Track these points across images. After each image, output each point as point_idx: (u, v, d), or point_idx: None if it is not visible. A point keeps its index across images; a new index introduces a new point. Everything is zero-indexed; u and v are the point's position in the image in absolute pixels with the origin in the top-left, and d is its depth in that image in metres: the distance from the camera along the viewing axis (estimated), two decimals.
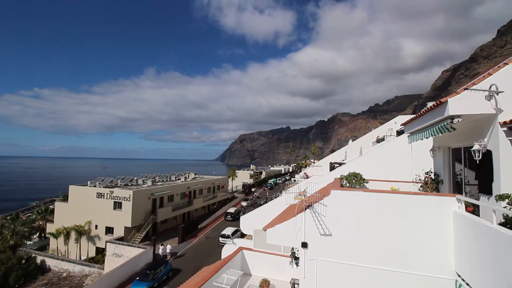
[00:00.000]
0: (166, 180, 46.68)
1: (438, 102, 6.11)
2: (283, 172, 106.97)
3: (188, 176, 51.05)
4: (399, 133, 17.47)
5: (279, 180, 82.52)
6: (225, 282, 9.57)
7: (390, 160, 13.12)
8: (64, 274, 26.57)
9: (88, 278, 25.20)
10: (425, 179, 8.97)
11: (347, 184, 8.80)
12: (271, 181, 77.90)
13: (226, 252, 15.02)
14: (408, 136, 9.16)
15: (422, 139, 7.52)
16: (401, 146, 12.51)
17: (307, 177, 30.49)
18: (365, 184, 9.07)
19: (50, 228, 36.62)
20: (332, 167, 21.26)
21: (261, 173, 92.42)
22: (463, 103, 5.51)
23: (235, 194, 62.42)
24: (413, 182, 9.62)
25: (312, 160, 77.48)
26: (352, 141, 34.11)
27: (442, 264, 5.79)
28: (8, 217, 36.84)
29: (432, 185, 8.51)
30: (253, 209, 18.15)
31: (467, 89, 5.51)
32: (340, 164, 20.70)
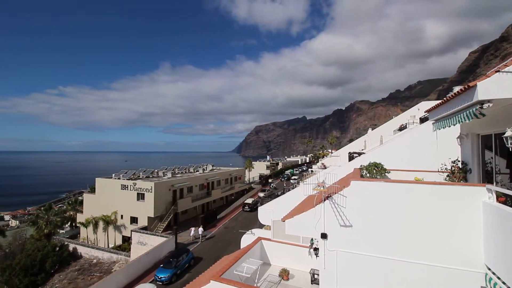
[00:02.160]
0: (185, 172, 47.87)
1: (466, 86, 5.69)
2: (299, 163, 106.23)
3: (206, 168, 52.00)
4: (423, 120, 16.69)
5: (296, 170, 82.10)
6: (245, 271, 9.76)
7: (413, 149, 12.60)
8: (94, 261, 28.29)
9: (116, 265, 26.69)
10: (451, 168, 8.56)
11: (368, 175, 8.58)
12: (288, 172, 77.66)
13: (245, 241, 15.28)
14: (432, 123, 8.71)
15: (449, 126, 7.12)
16: (425, 134, 11.96)
17: (325, 168, 30.11)
18: (386, 174, 8.80)
19: (80, 218, 38.93)
20: (351, 157, 20.80)
21: (277, 164, 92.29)
22: (494, 86, 5.04)
23: (252, 185, 62.94)
24: (438, 171, 9.21)
25: (330, 150, 76.28)
26: (372, 129, 33.16)
27: (470, 257, 5.54)
28: (42, 208, 39.48)
29: (459, 174, 8.10)
30: (270, 200, 18.24)
31: (498, 71, 5.08)
32: (360, 154, 20.20)
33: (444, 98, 7.50)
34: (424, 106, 23.87)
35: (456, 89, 6.64)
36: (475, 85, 5.24)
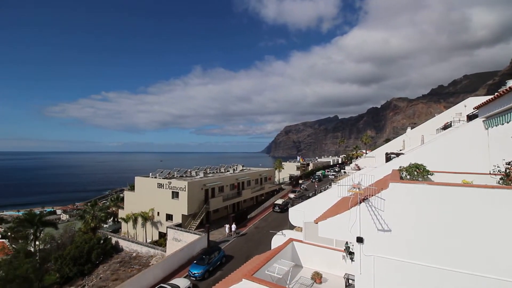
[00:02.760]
0: (216, 172, 49.09)
1: None
2: (331, 164, 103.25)
3: (236, 168, 52.81)
4: (471, 117, 15.22)
5: (328, 172, 79.92)
6: (277, 271, 9.70)
7: (459, 149, 11.56)
8: (134, 254, 30.20)
9: (153, 259, 28.21)
10: (506, 170, 7.70)
11: (408, 177, 8.07)
12: (319, 173, 75.85)
13: (276, 242, 15.21)
14: (483, 120, 7.96)
15: (503, 124, 6.43)
16: (473, 133, 10.93)
17: (359, 169, 28.92)
18: (429, 176, 8.20)
19: (121, 213, 41.85)
20: (389, 157, 19.67)
21: (308, 164, 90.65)
22: None
23: (282, 186, 62.57)
24: (490, 174, 8.36)
25: (364, 151, 73.14)
26: (411, 128, 31.15)
27: None
28: (89, 204, 43.13)
29: None
30: (301, 201, 17.95)
31: None
32: (398, 154, 19.04)
33: (497, 93, 6.79)
34: (471, 102, 21.86)
35: (511, 82, 5.97)
36: None
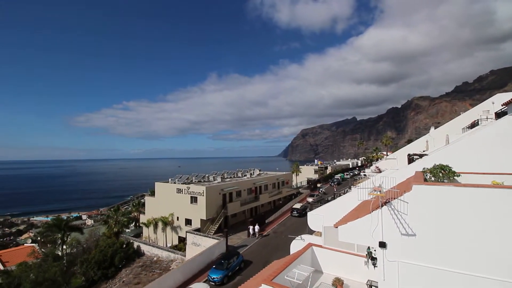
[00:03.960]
0: (234, 177, 49.31)
1: None
2: (350, 167, 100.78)
3: (253, 172, 52.82)
4: (500, 115, 14.35)
5: (347, 175, 78.04)
6: (297, 277, 9.52)
7: (488, 148, 10.90)
8: (155, 259, 30.81)
9: (174, 263, 28.63)
10: None
11: (432, 178, 7.69)
12: (338, 176, 74.21)
13: (295, 247, 14.97)
14: None
15: None
16: (503, 131, 10.30)
17: (379, 171, 28.02)
18: (455, 178, 7.78)
19: (143, 218, 42.96)
20: (411, 159, 18.94)
21: (326, 168, 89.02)
22: None
23: (300, 190, 61.76)
24: None
25: (385, 153, 70.87)
26: (435, 128, 29.85)
27: None
28: (112, 209, 44.66)
29: None
30: (320, 205, 17.61)
31: None
32: (421, 155, 18.27)
33: None
34: (500, 98, 20.61)
35: None
36: None
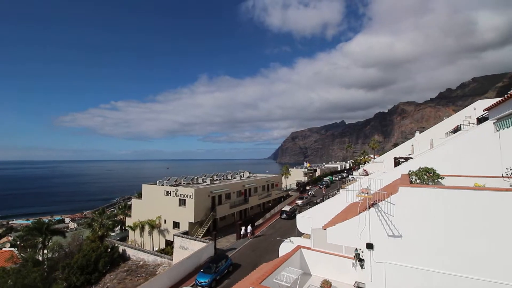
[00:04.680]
0: (223, 179, 48.99)
1: None
2: (339, 169, 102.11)
3: (243, 174, 52.64)
4: (481, 120, 14.89)
5: (336, 177, 79.00)
6: (285, 279, 9.49)
7: (470, 152, 11.27)
8: (141, 263, 30.09)
9: (160, 268, 28.03)
10: None
11: (417, 181, 7.87)
12: (326, 178, 75.04)
13: (283, 250, 14.97)
14: (494, 122, 7.75)
15: None
16: (484, 135, 10.65)
17: (367, 174, 28.47)
18: (440, 180, 7.99)
19: (129, 221, 41.91)
20: (397, 162, 19.37)
21: (315, 170, 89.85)
22: None
23: (289, 192, 62.00)
24: (503, 177, 8.10)
25: (372, 156, 72.20)
26: (420, 132, 30.64)
27: None
28: (97, 212, 43.41)
29: None
30: (309, 208, 17.71)
31: None
32: (407, 159, 18.71)
33: (509, 94, 6.61)
34: (481, 104, 21.40)
35: None
36: None
